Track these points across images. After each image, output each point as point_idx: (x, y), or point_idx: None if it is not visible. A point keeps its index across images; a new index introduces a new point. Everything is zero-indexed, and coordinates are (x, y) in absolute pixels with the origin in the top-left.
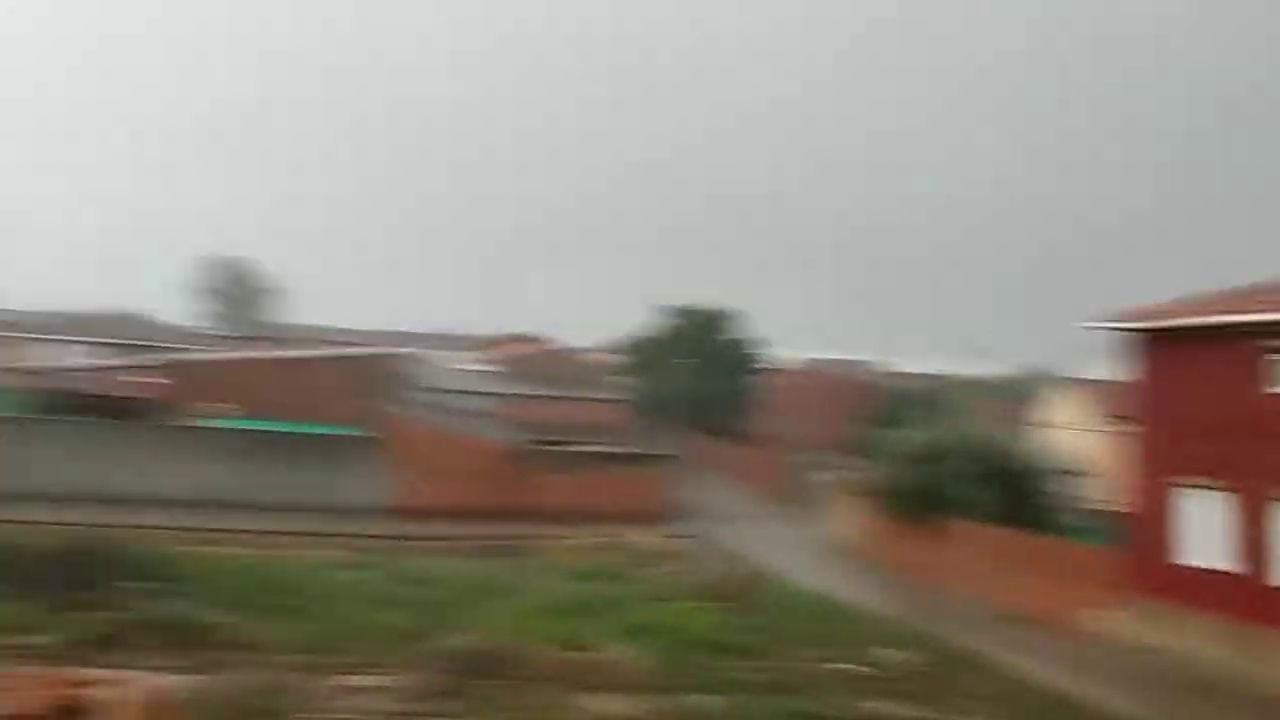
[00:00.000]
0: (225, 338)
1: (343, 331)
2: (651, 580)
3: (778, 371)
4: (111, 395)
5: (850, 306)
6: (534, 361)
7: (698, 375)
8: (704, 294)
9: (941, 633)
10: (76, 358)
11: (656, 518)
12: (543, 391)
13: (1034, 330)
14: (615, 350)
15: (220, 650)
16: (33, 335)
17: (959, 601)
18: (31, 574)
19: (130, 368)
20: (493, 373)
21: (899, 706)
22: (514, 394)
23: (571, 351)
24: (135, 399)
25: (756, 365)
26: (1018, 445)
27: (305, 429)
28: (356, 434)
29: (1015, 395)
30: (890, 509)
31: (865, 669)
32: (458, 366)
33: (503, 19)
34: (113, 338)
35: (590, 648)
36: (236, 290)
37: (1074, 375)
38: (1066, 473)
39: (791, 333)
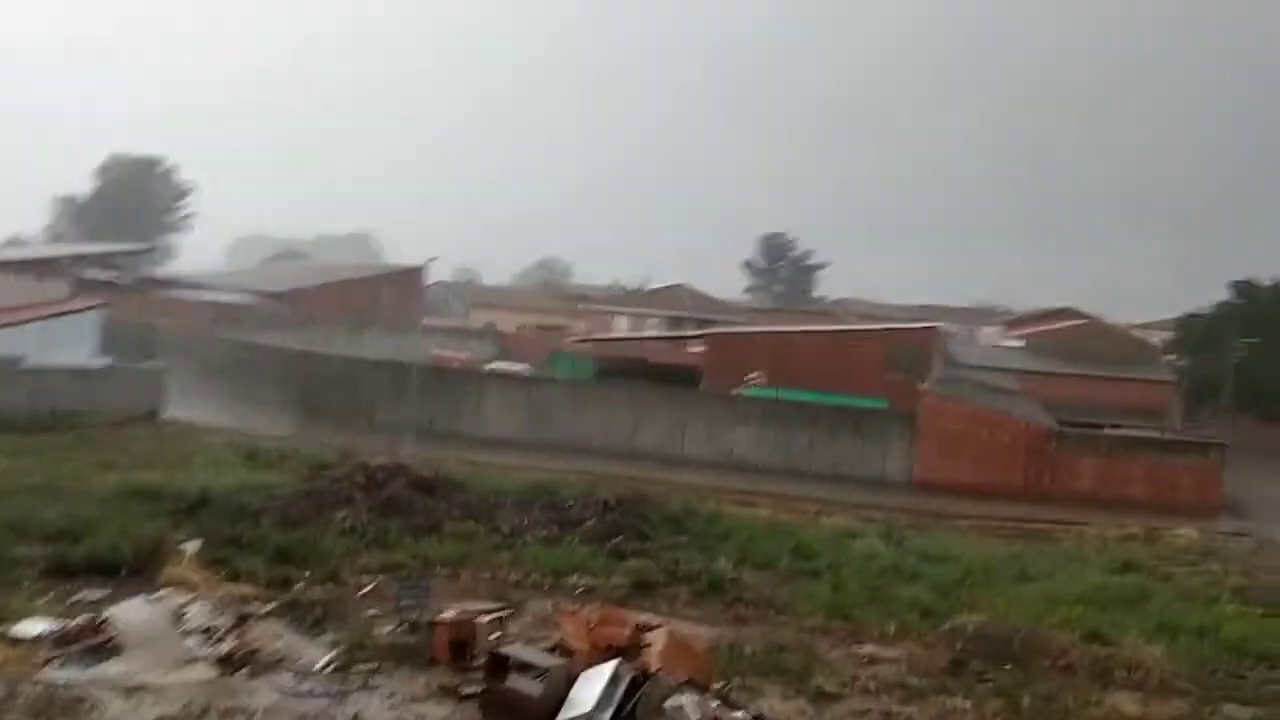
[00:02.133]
0: (765, 310)
1: (872, 305)
2: (1188, 579)
3: None
4: (658, 363)
5: None
6: (1075, 339)
7: (1268, 357)
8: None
9: None
10: (638, 328)
11: (1199, 511)
12: (1082, 370)
13: None
14: (1166, 329)
15: (745, 606)
16: (598, 308)
17: None
18: (590, 524)
19: (674, 338)
20: (1028, 349)
21: None
22: (1050, 372)
23: (1117, 329)
24: (679, 366)
25: None
26: None
27: (834, 400)
28: (883, 407)
29: None
30: None
31: None
32: (993, 343)
33: None
34: (663, 309)
35: (1113, 643)
36: (782, 266)
37: None
38: None
39: None
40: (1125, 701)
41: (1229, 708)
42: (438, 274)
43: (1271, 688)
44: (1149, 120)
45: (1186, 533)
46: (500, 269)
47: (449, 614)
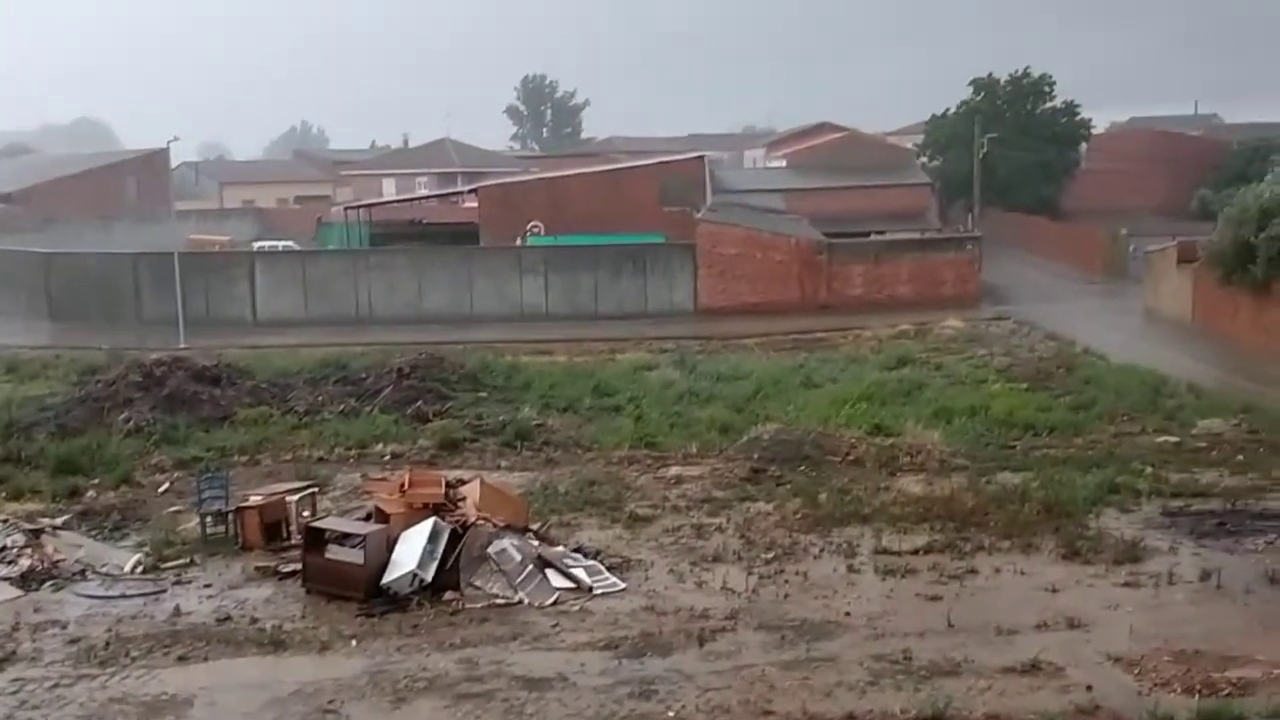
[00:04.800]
0: (535, 157)
1: (641, 140)
2: (957, 365)
3: (1096, 135)
4: (434, 223)
5: (1179, 54)
6: (834, 152)
7: (1005, 150)
8: (1013, 64)
9: (1274, 400)
10: (406, 189)
11: (962, 301)
12: (844, 182)
13: None
14: (918, 132)
15: (553, 449)
16: (362, 172)
17: None
18: (388, 392)
19: (447, 195)
20: (792, 167)
21: (1220, 476)
22: (815, 187)
23: (872, 138)
24: (456, 224)
25: (1071, 132)
26: None
27: (614, 239)
28: (662, 241)
29: None
30: (1225, 274)
31: (1186, 441)
32: (758, 164)
33: None
34: (430, 167)
35: (896, 433)
36: (546, 109)
37: None
38: None
39: (1114, 91)
40: (911, 484)
41: (1002, 475)
42: (182, 155)
43: (1038, 453)
44: None
45: (953, 323)
46: (249, 142)
47: (256, 498)
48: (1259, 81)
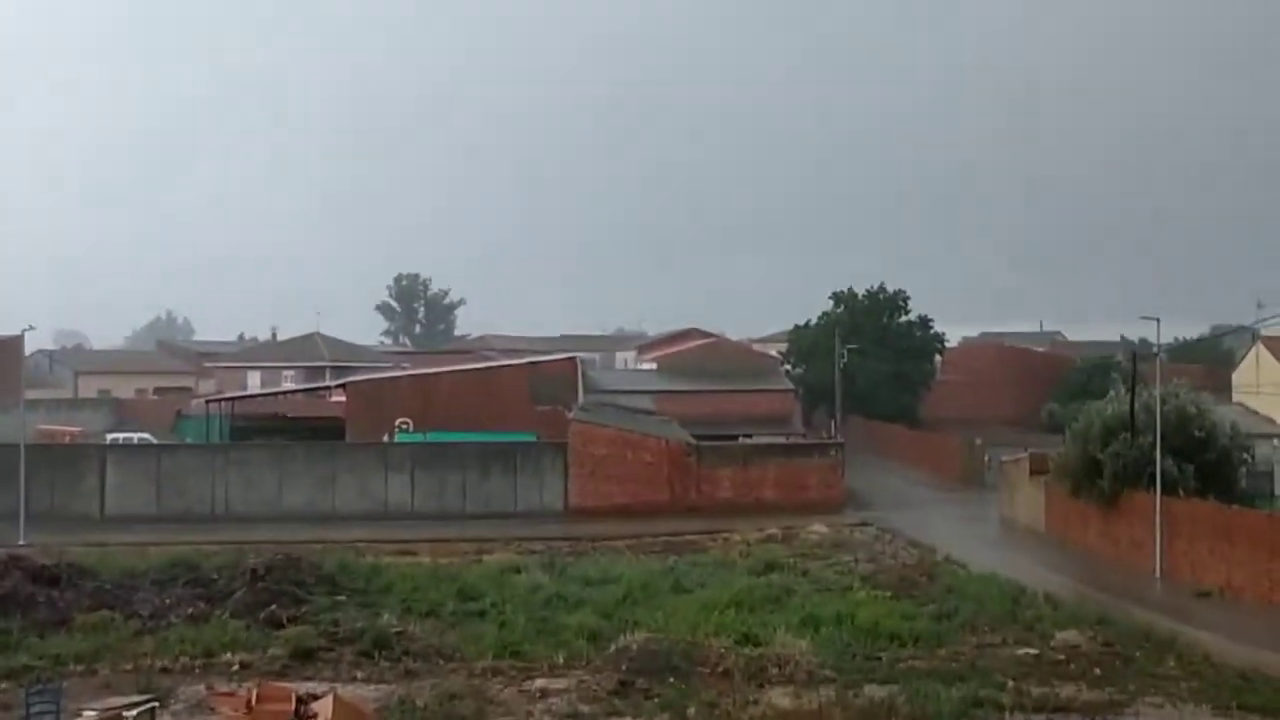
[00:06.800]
0: (407, 353)
1: (513, 339)
2: (823, 571)
3: (950, 349)
4: (298, 417)
5: (1024, 275)
6: (701, 356)
7: (866, 360)
8: (870, 278)
9: (1125, 612)
10: (272, 383)
11: (826, 506)
12: (712, 386)
13: (1225, 285)
14: (782, 340)
15: (413, 658)
16: (227, 364)
17: (1146, 579)
18: (240, 595)
19: (313, 389)
20: (662, 370)
21: (1079, 690)
22: (684, 390)
23: (738, 345)
24: (322, 419)
25: (927, 345)
26: (1212, 413)
27: (484, 438)
28: (533, 440)
29: (1210, 358)
30: (1074, 486)
31: (1045, 653)
32: (629, 365)
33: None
34: (299, 361)
35: (764, 642)
36: (419, 306)
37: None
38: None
39: (964, 307)
40: (779, 696)
41: (869, 688)
42: (37, 342)
43: (903, 665)
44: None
45: (818, 528)
46: (111, 332)
47: (90, 713)
48: (1097, 304)
